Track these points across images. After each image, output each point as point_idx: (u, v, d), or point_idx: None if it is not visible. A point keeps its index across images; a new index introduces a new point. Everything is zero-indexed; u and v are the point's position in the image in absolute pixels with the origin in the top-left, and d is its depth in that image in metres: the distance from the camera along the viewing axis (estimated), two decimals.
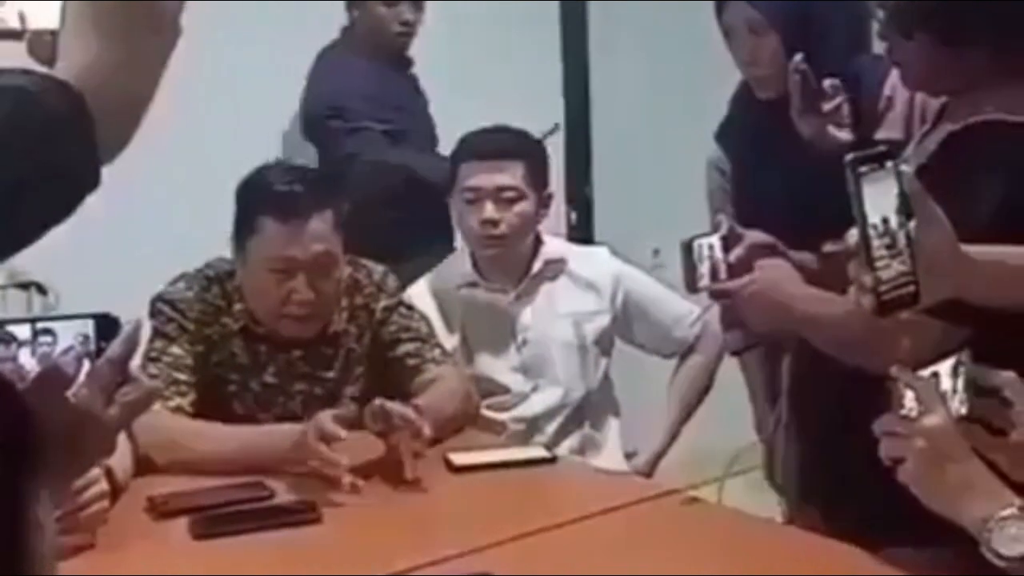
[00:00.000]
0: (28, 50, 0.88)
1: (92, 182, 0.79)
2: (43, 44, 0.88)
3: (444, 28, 3.95)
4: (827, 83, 2.12)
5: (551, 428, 2.80)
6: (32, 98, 0.76)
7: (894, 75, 2.17)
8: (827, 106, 2.12)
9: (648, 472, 2.77)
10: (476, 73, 4.03)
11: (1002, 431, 1.50)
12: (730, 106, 2.54)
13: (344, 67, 3.58)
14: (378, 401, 2.33)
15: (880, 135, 2.10)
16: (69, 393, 1.05)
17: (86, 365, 1.11)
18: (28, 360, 1.14)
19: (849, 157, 1.41)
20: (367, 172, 3.42)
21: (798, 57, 2.13)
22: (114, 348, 1.12)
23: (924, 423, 1.46)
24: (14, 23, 0.92)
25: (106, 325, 1.15)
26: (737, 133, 2.46)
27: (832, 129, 2.12)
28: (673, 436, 2.86)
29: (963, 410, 1.52)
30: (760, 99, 2.32)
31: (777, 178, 2.25)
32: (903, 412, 1.50)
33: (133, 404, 1.11)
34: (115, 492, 2.03)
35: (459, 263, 2.90)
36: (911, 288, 1.43)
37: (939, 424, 1.46)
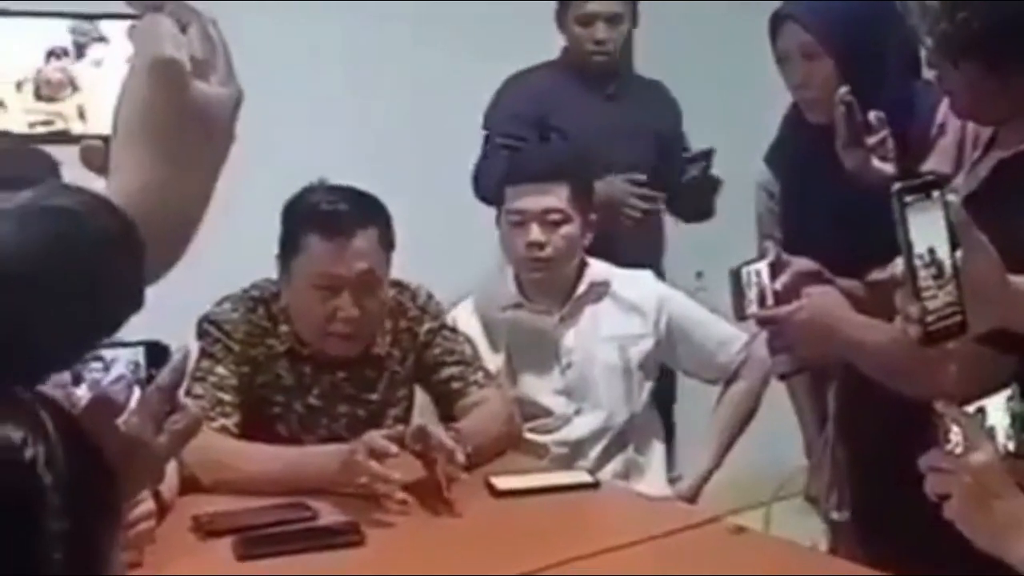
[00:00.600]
0: (81, 157, 0.83)
1: (136, 305, 0.77)
2: (96, 152, 0.82)
3: (487, 54, 3.97)
4: (872, 115, 2.11)
5: (594, 452, 2.79)
6: (79, 220, 0.73)
7: (946, 101, 2.16)
8: (872, 139, 2.11)
9: (691, 497, 2.76)
10: None
11: None
12: (780, 128, 2.53)
13: (515, 85, 3.58)
14: (418, 422, 2.34)
15: (930, 163, 2.09)
16: (119, 421, 1.06)
17: (136, 393, 1.12)
18: (79, 388, 1.16)
19: (895, 187, 1.41)
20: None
21: (843, 89, 2.13)
22: (163, 376, 1.13)
23: (970, 460, 1.45)
24: (73, 121, 0.87)
25: (156, 353, 1.17)
26: (787, 156, 2.45)
27: (876, 162, 2.11)
28: (717, 462, 2.84)
29: (1010, 446, 1.51)
30: (811, 123, 2.31)
31: (825, 203, 2.24)
32: (949, 447, 1.49)
33: (182, 432, 1.12)
34: (162, 511, 2.05)
35: (504, 284, 2.90)
36: (958, 318, 1.42)
37: (985, 461, 1.45)
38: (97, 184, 0.79)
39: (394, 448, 2.20)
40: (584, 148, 3.28)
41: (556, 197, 2.77)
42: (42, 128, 0.83)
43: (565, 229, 2.78)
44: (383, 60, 3.86)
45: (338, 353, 2.55)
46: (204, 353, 2.50)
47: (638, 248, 3.30)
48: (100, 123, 0.81)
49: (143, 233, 0.75)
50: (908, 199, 1.39)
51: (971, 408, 1.51)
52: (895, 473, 1.66)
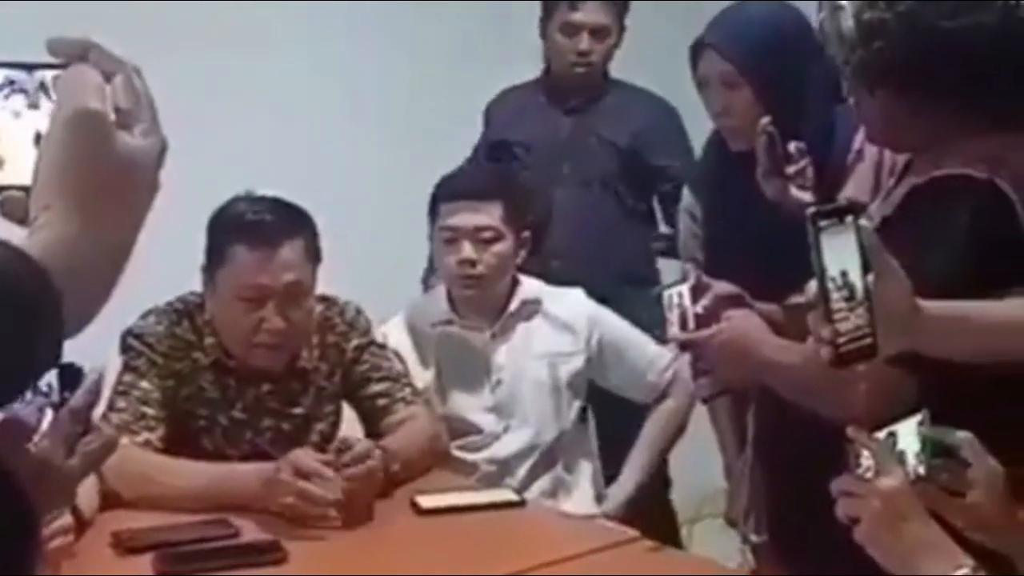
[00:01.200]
0: (0, 209, 0.82)
1: (53, 360, 0.76)
2: (16, 203, 0.80)
3: (425, 64, 3.98)
4: (792, 146, 2.14)
5: (522, 470, 2.79)
6: None
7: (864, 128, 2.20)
8: (791, 168, 2.15)
9: (617, 516, 2.78)
10: (457, 104, 4.05)
11: (960, 492, 1.52)
12: (703, 153, 2.57)
13: (493, 104, 3.57)
14: (343, 436, 2.34)
15: (848, 190, 2.13)
16: (31, 444, 1.06)
17: (48, 415, 1.11)
18: None
19: (810, 211, 1.44)
20: None
21: (764, 120, 2.15)
22: (76, 398, 1.13)
23: (880, 484, 1.48)
24: None
25: (70, 375, 1.17)
26: (708, 181, 2.48)
27: (795, 191, 2.14)
28: (641, 480, 2.86)
29: (921, 471, 1.54)
30: (732, 150, 2.34)
31: (745, 228, 2.27)
32: (859, 472, 1.52)
33: (94, 454, 1.12)
34: (80, 526, 2.03)
35: (436, 300, 2.91)
36: (868, 340, 1.45)
37: (894, 485, 1.48)
38: (16, 234, 0.78)
39: (328, 472, 2.20)
40: (534, 163, 3.29)
41: (488, 215, 2.78)
42: None
43: (497, 247, 2.79)
44: (317, 72, 3.85)
45: (263, 365, 2.54)
46: (127, 367, 2.47)
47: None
48: (18, 175, 0.80)
49: (62, 287, 0.74)
50: (822, 224, 1.43)
51: (882, 433, 1.54)
52: (810, 495, 1.69)
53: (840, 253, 1.43)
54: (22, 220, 0.79)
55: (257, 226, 2.46)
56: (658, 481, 3.04)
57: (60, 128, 0.79)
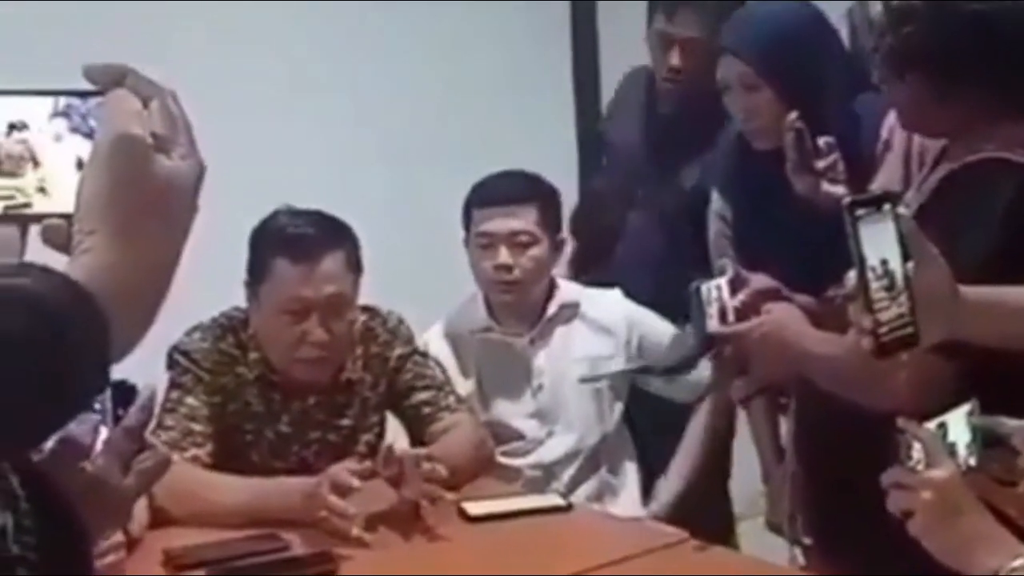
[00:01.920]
0: (42, 237, 0.82)
1: (101, 386, 0.76)
2: (58, 231, 0.81)
3: (458, 76, 4.00)
4: (822, 141, 2.14)
5: (567, 474, 2.79)
6: (42, 302, 0.72)
7: (891, 115, 2.19)
8: (822, 163, 2.14)
9: (664, 516, 2.77)
10: (488, 116, 4.06)
11: (1012, 482, 1.51)
12: (729, 155, 2.54)
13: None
14: (388, 444, 2.34)
15: (879, 181, 2.11)
16: (86, 463, 1.07)
17: (103, 433, 1.12)
18: None
19: (846, 201, 1.43)
20: None
21: (792, 115, 2.15)
22: (130, 417, 1.13)
23: (931, 476, 1.47)
24: (34, 196, 0.82)
25: (123, 393, 1.18)
26: (737, 182, 2.47)
27: (826, 185, 2.13)
28: (688, 480, 2.85)
29: (972, 461, 1.54)
30: (758, 150, 2.33)
31: (777, 227, 2.26)
32: (910, 464, 1.51)
33: (150, 472, 1.12)
34: (130, 544, 2.05)
35: (473, 308, 2.91)
36: (910, 329, 1.44)
37: (947, 477, 1.47)
38: (58, 262, 0.78)
39: (356, 482, 2.20)
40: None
41: (523, 219, 2.79)
42: (3, 203, 0.83)
43: (533, 251, 2.80)
44: (353, 86, 3.87)
45: (307, 378, 2.55)
46: (174, 383, 2.50)
47: None
48: (61, 199, 0.81)
49: (108, 313, 0.75)
50: (859, 213, 1.42)
51: (932, 424, 1.53)
52: (855, 490, 1.69)
53: (879, 242, 1.43)
54: (64, 247, 0.80)
55: (298, 239, 2.48)
56: (717, 477, 3.01)
57: (102, 153, 0.80)
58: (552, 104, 4.34)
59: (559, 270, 2.99)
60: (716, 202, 2.50)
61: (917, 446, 1.52)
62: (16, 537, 0.64)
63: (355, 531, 2.17)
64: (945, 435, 1.54)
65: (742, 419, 2.88)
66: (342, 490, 2.20)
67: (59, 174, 0.82)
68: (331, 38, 3.83)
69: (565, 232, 2.93)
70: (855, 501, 1.78)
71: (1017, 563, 1.41)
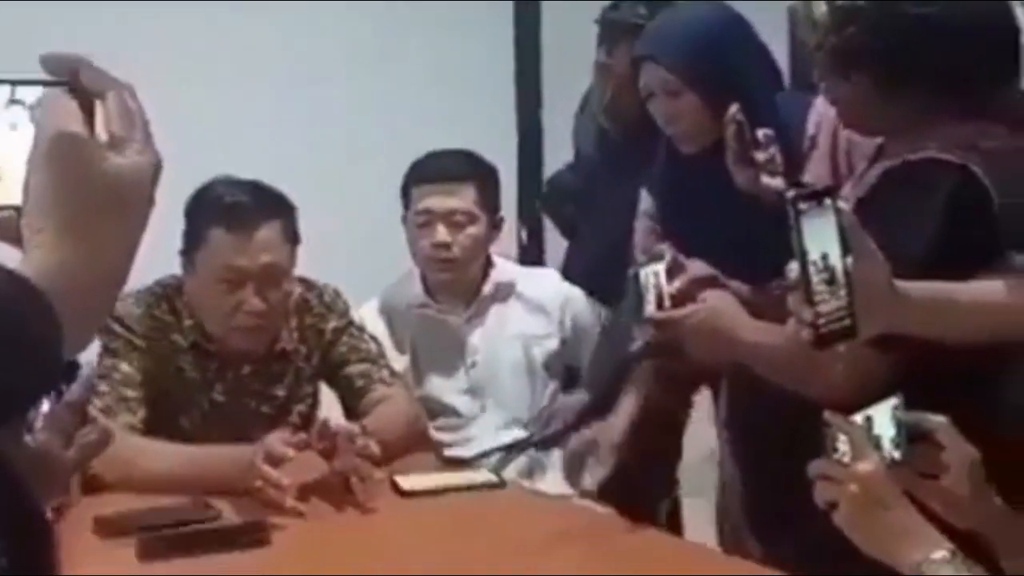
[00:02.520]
0: None
1: (54, 381, 0.78)
2: (10, 223, 0.79)
3: (397, 55, 3.99)
4: (760, 133, 2.16)
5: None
6: None
7: (815, 113, 2.23)
8: (761, 155, 2.17)
9: (594, 494, 2.79)
10: (429, 95, 4.06)
11: (935, 476, 1.55)
12: (658, 157, 2.55)
13: None
14: (324, 418, 2.35)
15: (807, 176, 2.15)
16: (29, 437, 1.07)
17: (45, 407, 1.12)
18: None
19: (790, 194, 1.46)
20: None
21: (734, 108, 2.16)
22: (73, 391, 1.14)
23: (856, 469, 1.51)
24: None
25: (66, 369, 1.17)
26: (665, 183, 2.48)
27: (766, 178, 2.16)
28: (619, 460, 2.87)
29: (897, 455, 1.58)
30: (684, 154, 2.35)
31: (705, 224, 2.28)
32: (836, 456, 1.55)
33: (91, 446, 1.13)
34: (60, 510, 2.04)
35: (410, 284, 2.92)
36: (848, 322, 1.48)
37: (871, 470, 1.51)
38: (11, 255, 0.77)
39: (290, 452, 2.21)
40: None
41: (462, 198, 2.80)
42: None
43: (471, 229, 2.81)
44: (292, 64, 3.85)
45: (243, 347, 2.55)
46: (107, 350, 2.48)
47: None
48: (15, 187, 0.79)
49: (60, 309, 0.74)
50: (802, 206, 1.45)
51: (858, 417, 1.57)
52: (785, 478, 1.72)
53: (820, 236, 1.46)
54: (16, 240, 0.79)
55: (235, 208, 2.47)
56: (657, 456, 3.03)
57: (41, 152, 0.78)
58: (493, 86, 4.35)
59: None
60: (644, 201, 2.51)
61: (843, 438, 1.55)
62: None
63: (289, 502, 2.18)
64: (871, 428, 1.58)
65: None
66: (276, 460, 2.20)
67: (13, 163, 0.80)
68: (280, 24, 3.81)
69: (503, 211, 2.94)
70: (784, 486, 1.82)
71: (937, 556, 1.46)
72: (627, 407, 2.45)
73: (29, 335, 0.72)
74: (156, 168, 0.81)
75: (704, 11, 2.34)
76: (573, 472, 2.51)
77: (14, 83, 0.82)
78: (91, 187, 0.78)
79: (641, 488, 2.51)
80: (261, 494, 2.21)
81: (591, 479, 2.82)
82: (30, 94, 0.82)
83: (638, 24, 2.55)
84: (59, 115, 0.79)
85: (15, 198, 0.79)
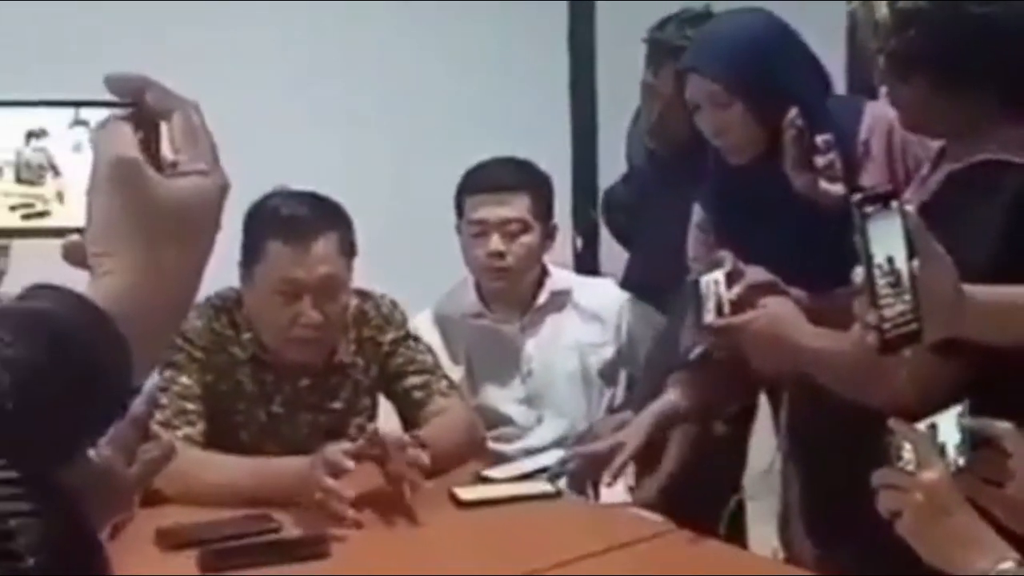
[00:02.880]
0: (63, 254, 0.79)
1: (123, 408, 0.75)
2: (78, 249, 0.78)
3: (453, 61, 4.00)
4: (819, 139, 2.13)
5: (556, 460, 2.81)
6: (56, 322, 0.70)
7: (867, 117, 2.20)
8: (821, 160, 2.14)
9: (655, 504, 2.77)
10: (482, 102, 4.07)
11: (1000, 483, 1.53)
12: (709, 171, 2.53)
13: None
14: (372, 426, 2.36)
15: (863, 182, 2.12)
16: (92, 453, 1.07)
17: None
18: None
19: (855, 197, 1.44)
20: None
21: (793, 112, 2.14)
22: (136, 407, 1.14)
23: (921, 477, 1.49)
24: (52, 203, 0.82)
25: None
26: (718, 197, 2.46)
27: (824, 184, 2.13)
28: (674, 470, 2.85)
29: (961, 462, 1.55)
30: (733, 165, 2.32)
31: (762, 237, 2.25)
32: (900, 464, 1.53)
33: (154, 462, 1.14)
34: (118, 524, 2.05)
35: (464, 293, 2.92)
36: (914, 326, 1.46)
37: (936, 478, 1.48)
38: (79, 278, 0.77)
39: (349, 463, 2.22)
40: None
41: (515, 207, 2.80)
42: (21, 211, 0.81)
43: (525, 238, 2.81)
44: (351, 75, 3.87)
45: (300, 359, 2.56)
46: (167, 363, 2.50)
47: None
48: (80, 208, 0.78)
49: (128, 334, 0.73)
50: (868, 209, 1.43)
51: (922, 425, 1.55)
52: (847, 487, 1.70)
53: (886, 239, 1.44)
54: (84, 264, 0.78)
55: (292, 221, 2.49)
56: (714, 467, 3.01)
57: (100, 178, 0.77)
58: (547, 93, 4.35)
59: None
60: (697, 214, 2.49)
61: (907, 446, 1.53)
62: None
63: (349, 512, 2.18)
64: (935, 436, 1.56)
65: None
66: (336, 471, 2.21)
67: (78, 184, 0.80)
68: (329, 25, 3.83)
69: (557, 220, 2.94)
70: (847, 496, 1.79)
71: (1004, 566, 1.43)
72: (655, 409, 2.43)
73: (100, 364, 0.72)
74: (223, 190, 0.80)
75: (748, 20, 2.32)
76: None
77: (78, 104, 0.82)
78: (153, 211, 0.77)
79: (695, 497, 2.50)
80: (321, 506, 2.22)
81: (645, 490, 2.81)
82: (94, 115, 0.81)
83: (683, 47, 2.53)
84: (114, 140, 0.78)
85: (80, 220, 0.78)
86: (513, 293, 2.88)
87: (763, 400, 2.77)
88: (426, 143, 3.90)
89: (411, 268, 3.26)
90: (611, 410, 2.89)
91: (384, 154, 3.87)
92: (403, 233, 3.64)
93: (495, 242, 2.78)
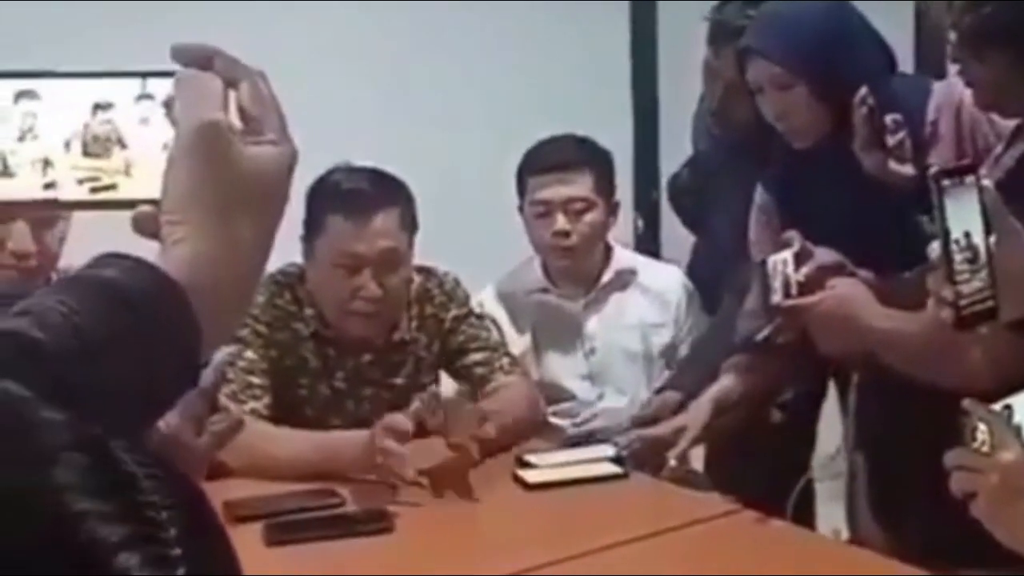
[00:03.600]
0: (133, 225, 0.77)
1: (192, 382, 0.73)
2: (149, 219, 0.76)
3: (514, 41, 3.98)
4: (889, 119, 2.10)
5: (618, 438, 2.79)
6: (126, 292, 0.69)
7: (935, 97, 2.15)
8: (891, 140, 2.10)
9: (722, 486, 2.72)
10: (544, 84, 4.05)
11: None
12: (774, 153, 2.50)
13: None
14: (432, 389, 2.36)
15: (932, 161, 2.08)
16: (161, 423, 1.08)
17: None
18: None
19: (933, 171, 1.42)
20: None
21: (863, 91, 2.10)
22: (205, 378, 1.14)
23: (997, 458, 1.46)
24: (119, 176, 0.81)
25: None
26: (784, 180, 2.43)
27: (893, 164, 2.10)
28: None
29: None
30: (798, 148, 2.29)
31: (829, 219, 2.22)
32: (975, 446, 1.50)
33: (223, 433, 1.14)
34: None
35: (529, 270, 2.91)
36: (990, 303, 1.43)
37: (1013, 459, 1.46)
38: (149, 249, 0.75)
39: (410, 424, 2.22)
40: None
41: (579, 186, 2.78)
42: (89, 184, 0.81)
43: (589, 216, 2.79)
44: (407, 50, 3.87)
45: (360, 333, 2.57)
46: (233, 337, 2.51)
47: None
48: (147, 181, 0.78)
49: (202, 305, 0.72)
50: (945, 183, 1.40)
51: (998, 406, 1.52)
52: (917, 470, 1.68)
53: (962, 214, 1.41)
54: (155, 235, 0.76)
55: (353, 195, 2.49)
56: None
57: (185, 142, 0.76)
58: (609, 74, 4.31)
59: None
60: (760, 196, 2.46)
61: (982, 427, 1.50)
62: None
63: (411, 473, 2.19)
64: (1011, 417, 1.53)
65: None
66: (399, 435, 2.21)
67: (145, 156, 0.79)
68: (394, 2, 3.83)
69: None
70: (916, 483, 1.77)
71: None
72: (714, 394, 2.40)
73: (171, 335, 0.71)
74: (292, 158, 0.79)
75: (811, 3, 2.28)
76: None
77: (145, 75, 0.81)
78: (232, 178, 0.76)
79: (762, 478, 2.47)
80: (383, 470, 2.23)
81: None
82: (161, 88, 0.80)
83: (744, 27, 2.49)
84: (202, 102, 0.77)
85: (150, 190, 0.78)
86: (579, 271, 2.87)
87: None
88: (488, 126, 3.89)
89: (474, 249, 3.25)
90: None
91: (446, 131, 3.86)
92: (466, 209, 3.63)
93: (560, 221, 2.77)
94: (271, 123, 0.79)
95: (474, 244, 3.28)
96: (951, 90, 2.10)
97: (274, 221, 0.79)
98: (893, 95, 2.17)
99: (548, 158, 2.82)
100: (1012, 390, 1.54)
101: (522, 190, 2.84)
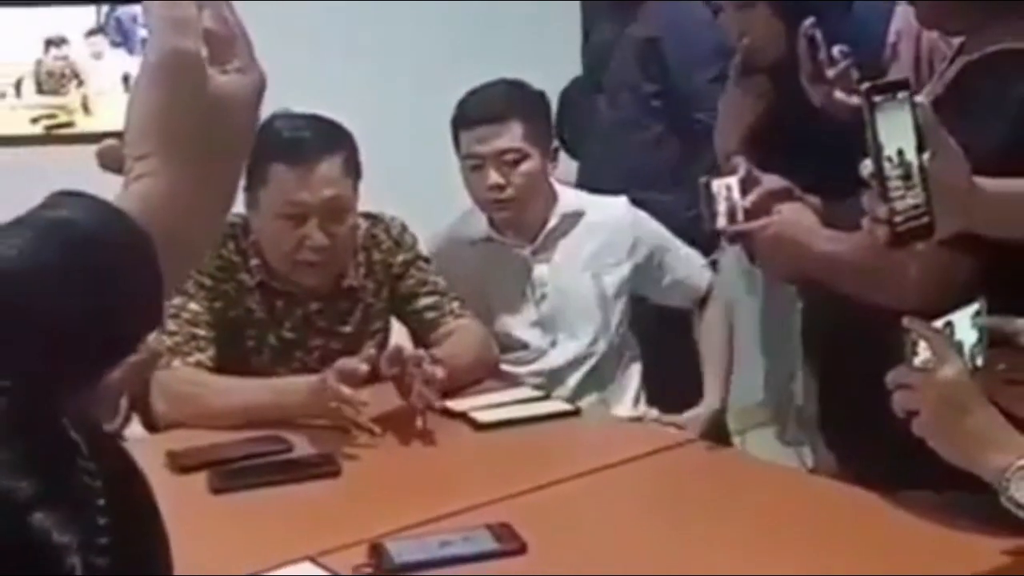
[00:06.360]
0: (99, 159, 0.73)
1: (155, 322, 0.68)
2: (115, 153, 0.72)
3: None
4: (835, 50, 2.09)
5: (572, 381, 2.77)
6: (78, 231, 0.64)
7: (896, 21, 2.14)
8: (834, 71, 2.09)
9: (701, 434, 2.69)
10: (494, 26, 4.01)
11: (1018, 381, 1.49)
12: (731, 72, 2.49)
13: None
14: (396, 344, 2.33)
15: None
16: None
17: None
18: None
19: (864, 87, 1.40)
20: None
21: (807, 22, 2.09)
22: None
23: (939, 375, 1.46)
24: (77, 114, 0.77)
25: None
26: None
27: (839, 94, 2.09)
28: (727, 387, 2.80)
29: (979, 361, 1.52)
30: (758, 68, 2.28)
31: (781, 142, 2.22)
32: (916, 363, 1.50)
33: (136, 366, 1.11)
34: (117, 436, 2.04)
35: (475, 219, 2.86)
36: (925, 219, 1.42)
37: (954, 376, 1.45)
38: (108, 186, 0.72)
39: (364, 367, 2.20)
40: None
41: (509, 137, 2.72)
42: (45, 122, 0.76)
43: (524, 167, 2.73)
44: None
45: (308, 282, 2.54)
46: (176, 290, 2.48)
47: None
48: (107, 117, 0.75)
49: (169, 239, 0.68)
50: (877, 99, 1.38)
51: (938, 323, 1.52)
52: (864, 391, 1.67)
53: (895, 131, 1.39)
54: (119, 171, 0.72)
55: (295, 143, 2.45)
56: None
57: (151, 70, 0.72)
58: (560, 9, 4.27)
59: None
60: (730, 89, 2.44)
61: (923, 345, 1.50)
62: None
63: (362, 419, 2.17)
64: (952, 334, 1.52)
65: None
66: (350, 378, 2.19)
67: (103, 91, 0.76)
68: None
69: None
70: (864, 406, 1.76)
71: (1023, 462, 1.40)
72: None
73: (131, 277, 0.66)
74: (261, 87, 0.75)
75: None
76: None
77: (98, 2, 0.77)
78: (199, 107, 0.72)
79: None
80: (335, 414, 2.21)
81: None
82: (119, 19, 0.77)
83: None
84: (172, 28, 0.72)
85: (110, 126, 0.74)
86: (522, 220, 2.81)
87: None
88: (433, 61, 3.85)
89: (420, 192, 3.21)
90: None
91: (390, 74, 3.82)
92: (410, 155, 3.59)
93: (493, 176, 2.71)
94: (239, 49, 0.75)
95: (420, 189, 3.24)
96: (912, 13, 2.09)
97: (243, 152, 0.76)
98: (851, 20, 2.17)
99: (475, 110, 2.76)
100: (952, 308, 1.53)
101: (457, 143, 2.79)
